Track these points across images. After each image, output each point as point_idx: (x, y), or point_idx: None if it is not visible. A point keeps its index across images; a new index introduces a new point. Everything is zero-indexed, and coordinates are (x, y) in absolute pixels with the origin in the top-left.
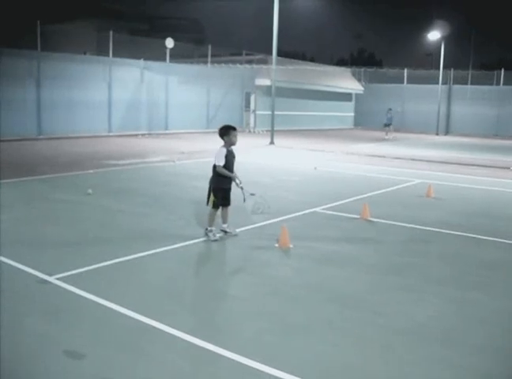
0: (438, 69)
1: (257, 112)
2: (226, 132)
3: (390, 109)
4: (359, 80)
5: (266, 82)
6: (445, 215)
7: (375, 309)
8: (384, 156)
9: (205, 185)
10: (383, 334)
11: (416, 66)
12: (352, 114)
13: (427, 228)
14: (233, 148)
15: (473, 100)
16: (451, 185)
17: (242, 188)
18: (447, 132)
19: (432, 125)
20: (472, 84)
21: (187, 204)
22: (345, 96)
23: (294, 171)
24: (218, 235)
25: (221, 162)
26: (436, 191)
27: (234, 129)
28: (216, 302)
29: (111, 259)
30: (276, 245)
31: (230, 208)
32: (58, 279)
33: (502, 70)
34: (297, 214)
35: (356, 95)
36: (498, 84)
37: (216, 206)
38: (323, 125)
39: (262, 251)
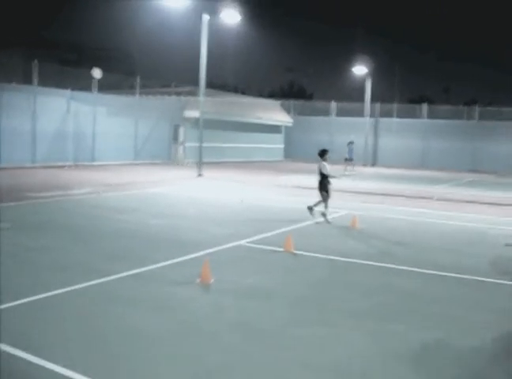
0: (365, 101)
1: (186, 144)
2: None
3: (352, 142)
4: (288, 112)
5: (195, 114)
6: (368, 246)
7: (295, 346)
8: (312, 188)
9: (129, 218)
10: (303, 372)
11: (344, 99)
12: (282, 145)
13: (350, 260)
14: None
15: (399, 133)
16: (377, 215)
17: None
18: (374, 163)
19: (360, 157)
20: (397, 117)
21: (109, 238)
22: (275, 128)
23: (221, 204)
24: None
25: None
26: (361, 222)
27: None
28: (129, 343)
29: (24, 298)
30: (198, 280)
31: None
32: None
33: (425, 104)
34: (221, 247)
35: (286, 127)
36: (421, 117)
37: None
38: (253, 157)
39: (183, 287)
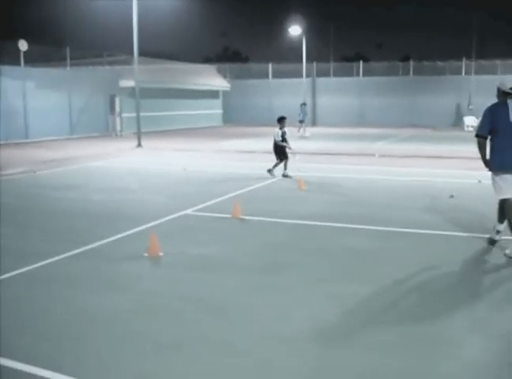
0: (302, 62)
1: (124, 115)
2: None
3: (304, 104)
4: (224, 77)
5: (130, 83)
6: (317, 207)
7: (251, 317)
8: (254, 152)
9: (68, 196)
10: (266, 344)
11: (281, 61)
12: (221, 111)
13: (300, 221)
14: None
15: (336, 92)
16: (321, 175)
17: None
18: (314, 123)
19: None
20: (334, 76)
21: (49, 218)
22: (212, 94)
23: (163, 173)
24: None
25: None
26: (307, 183)
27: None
28: (78, 325)
29: None
30: (146, 254)
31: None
32: None
33: (361, 62)
34: (167, 218)
35: (223, 92)
36: (358, 75)
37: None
38: (192, 124)
39: (130, 263)
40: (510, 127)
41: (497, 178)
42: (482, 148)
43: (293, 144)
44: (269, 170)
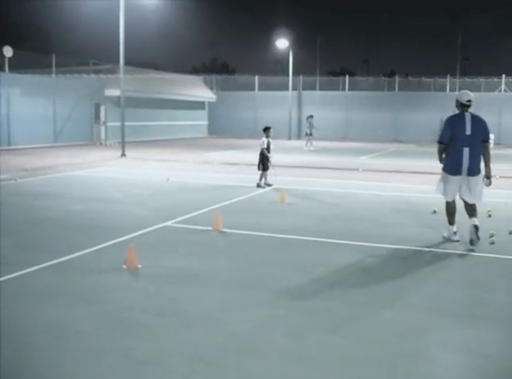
0: (288, 75)
1: (108, 124)
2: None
3: (311, 116)
4: (211, 88)
5: (116, 92)
6: (299, 221)
7: (229, 330)
8: (238, 164)
9: (49, 205)
10: (238, 359)
11: (267, 73)
12: (206, 122)
13: (282, 236)
14: None
15: (322, 105)
16: (304, 189)
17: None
18: (299, 136)
19: (284, 131)
20: (320, 89)
21: (28, 227)
22: (198, 105)
23: (146, 184)
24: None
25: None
26: (290, 196)
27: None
28: (53, 339)
29: None
30: (124, 266)
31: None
32: None
33: (347, 77)
34: (147, 230)
35: (209, 103)
36: (344, 89)
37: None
38: (177, 135)
39: (108, 275)
40: (464, 138)
41: (444, 177)
42: (440, 153)
43: (300, 159)
44: (258, 185)
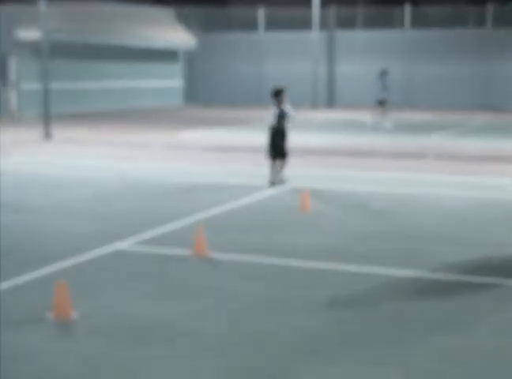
0: (311, 6)
1: (24, 87)
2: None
3: (385, 71)
4: (188, 27)
5: (35, 35)
6: (331, 240)
7: None
8: (233, 149)
9: None
10: None
11: (278, 4)
12: (181, 83)
13: (305, 264)
14: None
15: (367, 54)
16: (339, 189)
17: None
18: (331, 104)
19: (306, 95)
20: (364, 28)
21: None
22: (167, 55)
23: (85, 183)
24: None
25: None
26: (316, 200)
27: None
28: None
29: None
30: (49, 315)
31: None
32: None
33: (407, 5)
34: (87, 257)
35: (186, 52)
36: (402, 26)
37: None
38: (135, 103)
39: (25, 329)
40: None
41: None
42: None
43: (333, 140)
44: (272, 183)
